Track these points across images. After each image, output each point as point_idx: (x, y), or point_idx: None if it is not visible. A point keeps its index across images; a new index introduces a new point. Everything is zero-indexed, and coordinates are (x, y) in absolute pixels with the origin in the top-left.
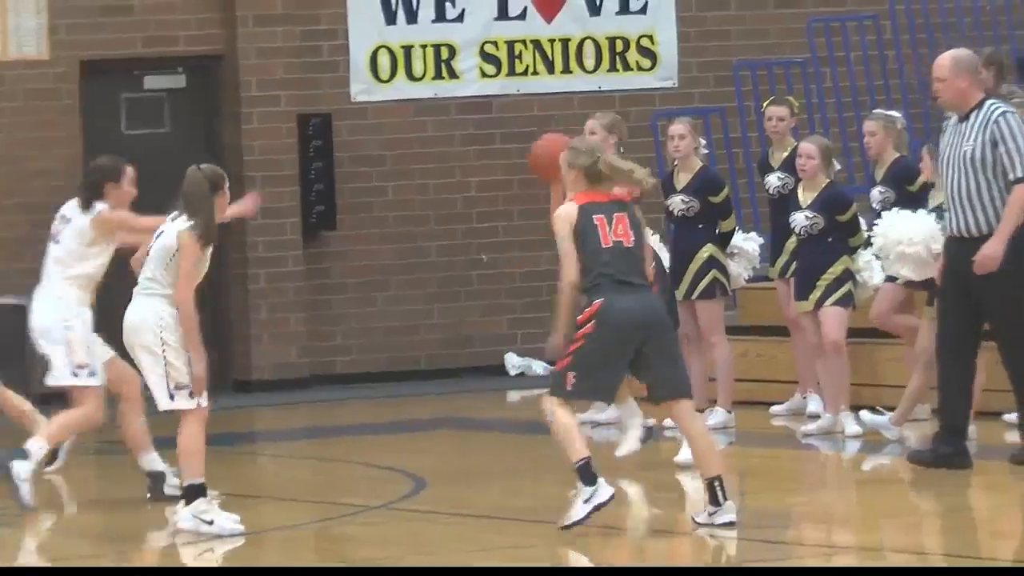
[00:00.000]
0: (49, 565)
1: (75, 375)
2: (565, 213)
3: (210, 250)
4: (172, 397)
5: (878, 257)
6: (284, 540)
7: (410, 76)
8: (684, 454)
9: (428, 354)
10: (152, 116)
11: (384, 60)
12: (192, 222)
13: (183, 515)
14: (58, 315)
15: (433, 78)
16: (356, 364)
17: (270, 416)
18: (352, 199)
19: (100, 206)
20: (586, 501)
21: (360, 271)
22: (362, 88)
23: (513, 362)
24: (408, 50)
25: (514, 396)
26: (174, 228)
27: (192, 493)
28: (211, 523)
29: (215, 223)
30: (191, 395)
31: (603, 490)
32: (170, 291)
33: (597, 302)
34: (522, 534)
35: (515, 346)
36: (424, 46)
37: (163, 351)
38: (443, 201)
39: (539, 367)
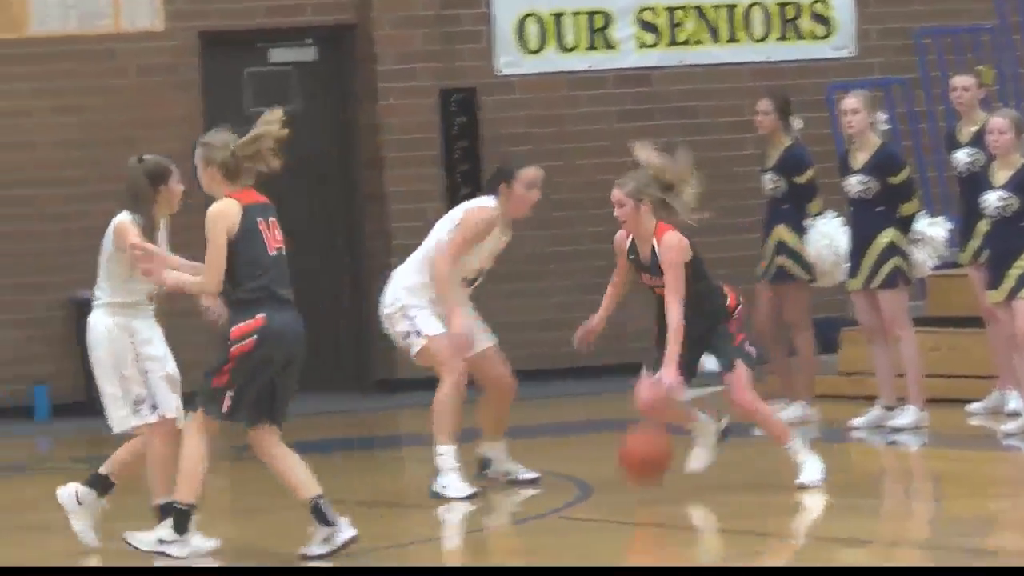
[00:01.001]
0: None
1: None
2: (225, 210)
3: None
4: (136, 413)
5: None
6: (435, 552)
7: (561, 46)
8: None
9: (587, 349)
10: (278, 92)
11: (532, 29)
12: (132, 216)
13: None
14: None
15: (587, 49)
16: (511, 362)
17: (416, 418)
18: None
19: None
20: (161, 541)
21: (509, 260)
22: (509, 60)
23: None
24: (559, 18)
25: (686, 394)
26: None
27: (167, 512)
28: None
29: (156, 218)
30: (153, 407)
31: (182, 548)
32: (113, 299)
33: (260, 317)
34: (693, 544)
35: None
36: (576, 13)
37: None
38: (598, 183)
39: (712, 363)
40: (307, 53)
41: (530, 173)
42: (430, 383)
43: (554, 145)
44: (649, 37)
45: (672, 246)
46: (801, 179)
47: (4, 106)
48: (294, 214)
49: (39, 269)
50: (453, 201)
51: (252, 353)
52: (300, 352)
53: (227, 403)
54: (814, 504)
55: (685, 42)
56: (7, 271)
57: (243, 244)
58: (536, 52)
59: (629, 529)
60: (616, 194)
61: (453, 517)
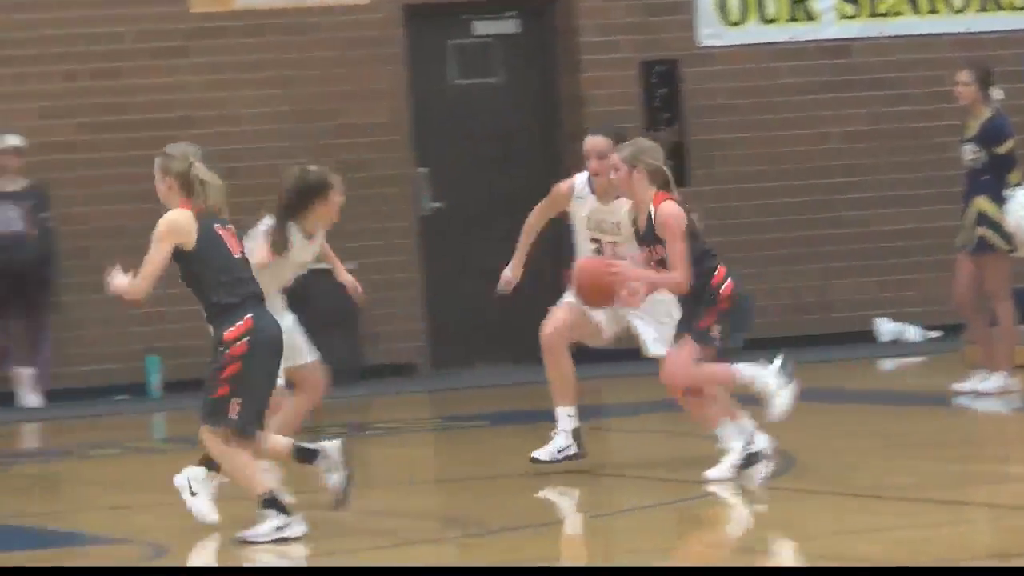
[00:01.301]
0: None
1: None
2: (177, 223)
3: (291, 256)
4: None
5: None
6: (641, 520)
7: (762, 18)
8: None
9: (789, 320)
10: (482, 64)
11: (734, 1)
12: (271, 224)
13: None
14: None
15: (788, 20)
16: None
17: (617, 387)
18: (703, 152)
19: None
20: (278, 528)
21: (715, 230)
22: (711, 32)
23: (884, 328)
24: None
25: (887, 365)
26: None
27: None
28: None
29: (284, 233)
30: None
31: (297, 526)
32: None
33: (248, 318)
34: (899, 514)
35: (885, 310)
36: None
37: None
38: (801, 154)
39: (915, 333)
40: (510, 25)
41: (585, 142)
42: (626, 354)
43: (755, 116)
44: (849, 8)
45: (669, 214)
46: (1001, 150)
47: (210, 79)
48: (497, 186)
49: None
50: None
51: (248, 355)
52: (280, 356)
53: (235, 410)
54: (1017, 474)
55: (885, 14)
56: None
57: (208, 252)
58: (737, 24)
59: (831, 498)
60: (613, 158)
61: (656, 487)
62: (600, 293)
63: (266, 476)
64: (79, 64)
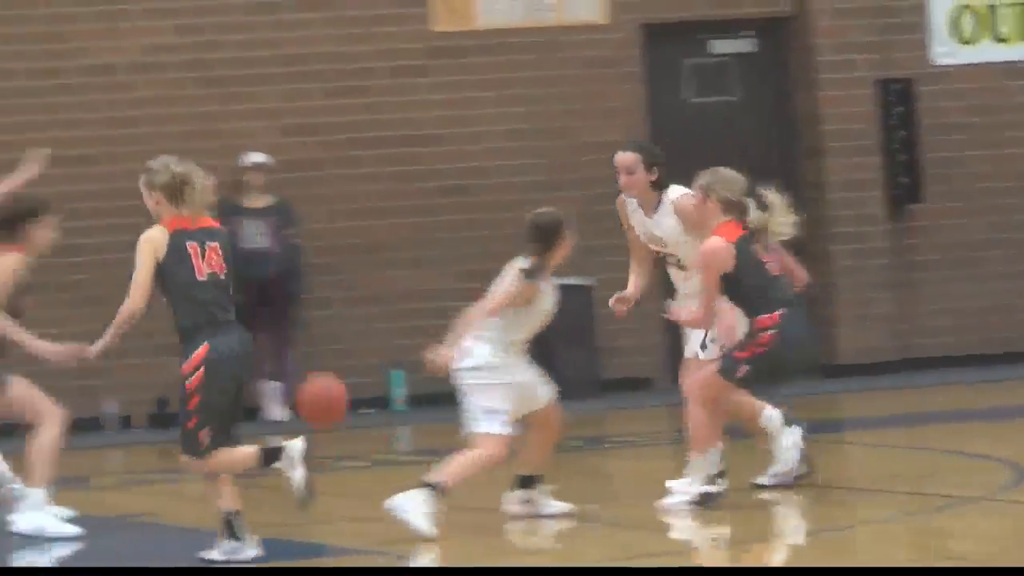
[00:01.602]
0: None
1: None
2: (151, 237)
3: (543, 295)
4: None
5: None
6: (876, 534)
7: (995, 37)
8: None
9: (1021, 336)
10: (719, 83)
11: (967, 20)
12: (526, 262)
13: None
14: None
15: (1020, 39)
16: (948, 346)
17: (857, 402)
18: (938, 169)
19: None
20: (225, 553)
21: (949, 247)
22: (944, 50)
23: None
24: (993, 9)
25: None
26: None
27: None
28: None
29: (545, 267)
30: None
31: (249, 551)
32: (489, 333)
33: (203, 347)
34: None
35: None
36: (1011, 5)
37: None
38: None
39: None
40: (746, 44)
41: (615, 158)
42: (869, 368)
43: (989, 135)
44: None
45: (707, 249)
46: None
47: (451, 97)
48: None
49: (481, 257)
50: (891, 191)
51: (205, 384)
52: (246, 374)
53: (205, 439)
54: None
55: None
56: (449, 260)
57: (171, 268)
58: (970, 42)
59: None
60: (694, 185)
61: (892, 500)
62: (324, 416)
63: (235, 497)
64: (320, 83)
